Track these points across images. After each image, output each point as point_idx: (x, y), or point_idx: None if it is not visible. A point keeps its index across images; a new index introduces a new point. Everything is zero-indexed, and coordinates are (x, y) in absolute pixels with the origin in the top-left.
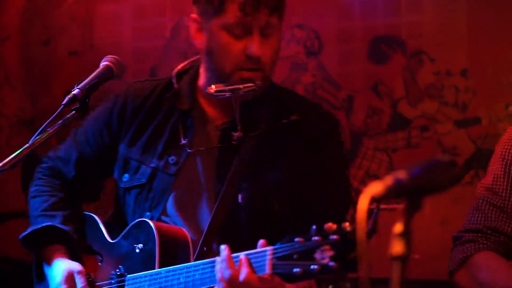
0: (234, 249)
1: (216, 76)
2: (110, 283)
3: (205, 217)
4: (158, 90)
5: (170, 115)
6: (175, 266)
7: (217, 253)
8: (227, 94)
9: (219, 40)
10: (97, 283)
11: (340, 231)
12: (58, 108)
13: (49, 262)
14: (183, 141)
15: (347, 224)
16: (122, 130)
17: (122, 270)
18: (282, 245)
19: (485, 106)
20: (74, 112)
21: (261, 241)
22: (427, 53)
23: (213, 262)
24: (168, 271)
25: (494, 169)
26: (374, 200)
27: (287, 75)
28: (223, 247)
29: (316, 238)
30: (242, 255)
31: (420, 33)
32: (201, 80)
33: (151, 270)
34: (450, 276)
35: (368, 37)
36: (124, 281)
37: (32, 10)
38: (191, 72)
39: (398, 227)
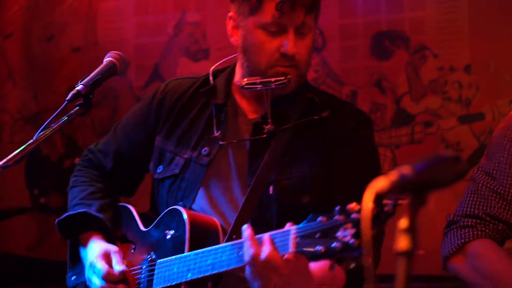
0: None
1: (251, 72)
2: (141, 268)
3: (235, 207)
4: (195, 86)
5: (205, 109)
6: (203, 249)
7: None
8: (258, 87)
9: (255, 38)
10: (130, 268)
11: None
12: (62, 104)
13: (84, 245)
14: (216, 133)
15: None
16: (159, 123)
17: (153, 256)
18: (306, 225)
19: (489, 102)
20: (77, 108)
21: (288, 223)
22: (430, 48)
23: (240, 243)
24: (197, 254)
25: (497, 154)
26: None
27: None
28: (245, 226)
29: (338, 217)
30: (266, 234)
31: (423, 29)
32: (237, 77)
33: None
34: (444, 261)
35: (371, 33)
36: (154, 265)
37: (35, 7)
38: (228, 70)
39: (403, 223)
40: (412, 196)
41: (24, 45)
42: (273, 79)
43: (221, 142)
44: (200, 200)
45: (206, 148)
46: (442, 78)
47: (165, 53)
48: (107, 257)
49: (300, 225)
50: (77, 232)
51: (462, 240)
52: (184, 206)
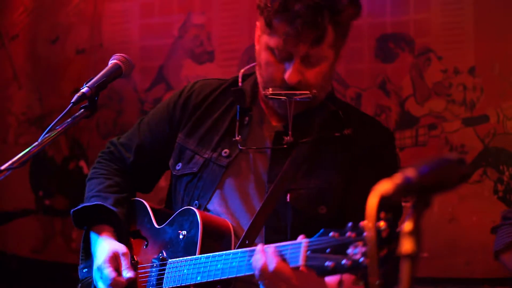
0: None
1: (260, 83)
2: (152, 266)
3: (251, 212)
4: (222, 88)
5: (229, 111)
6: (214, 253)
7: None
8: (283, 98)
9: (264, 56)
10: (140, 265)
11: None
12: (66, 106)
13: (96, 241)
14: (237, 137)
15: (381, 222)
16: (183, 121)
17: (165, 255)
18: (317, 239)
19: (493, 104)
20: (83, 110)
21: (301, 236)
22: (434, 51)
23: (251, 251)
24: (208, 257)
25: None
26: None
27: None
28: (259, 244)
29: (350, 234)
30: (272, 246)
31: (428, 31)
32: (260, 87)
33: (192, 256)
34: (496, 255)
35: (376, 35)
36: (165, 264)
37: (40, 9)
38: (255, 75)
39: (408, 225)
40: (416, 199)
41: (29, 46)
42: (297, 92)
43: (240, 147)
44: (216, 201)
45: (226, 150)
46: (446, 81)
47: (170, 55)
48: (115, 260)
49: (312, 239)
50: (91, 224)
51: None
52: (199, 206)
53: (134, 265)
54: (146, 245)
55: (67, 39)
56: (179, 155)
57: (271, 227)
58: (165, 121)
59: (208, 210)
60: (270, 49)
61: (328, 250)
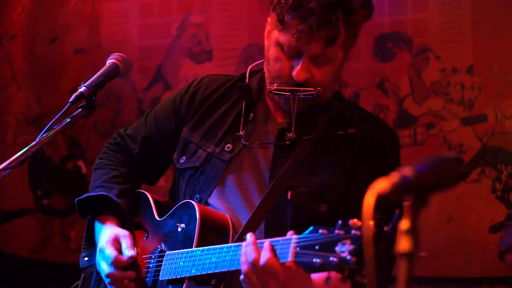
0: None
1: (268, 78)
2: (151, 258)
3: (250, 208)
4: (230, 83)
5: (235, 107)
6: (209, 247)
7: None
8: (287, 94)
9: (274, 52)
10: (141, 256)
11: (362, 225)
12: (65, 106)
13: (100, 229)
14: (240, 132)
15: (371, 221)
16: (189, 115)
17: (163, 247)
18: (307, 235)
19: (491, 104)
20: (80, 109)
21: (290, 232)
22: (432, 50)
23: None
24: (203, 251)
25: None
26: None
27: None
28: (249, 234)
29: (339, 231)
30: (266, 241)
31: (426, 31)
32: (266, 82)
33: (188, 249)
34: (501, 255)
35: (374, 35)
36: (163, 256)
37: (39, 9)
38: (261, 73)
39: (405, 224)
40: (413, 198)
41: (28, 46)
42: (302, 88)
43: (244, 142)
44: (216, 195)
45: (229, 145)
46: (444, 80)
47: (168, 54)
48: (117, 241)
49: (302, 235)
50: (95, 214)
51: None
52: (200, 199)
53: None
54: (147, 237)
55: (65, 39)
56: (183, 149)
57: (271, 223)
58: (171, 115)
59: (209, 204)
60: (280, 45)
61: (317, 247)
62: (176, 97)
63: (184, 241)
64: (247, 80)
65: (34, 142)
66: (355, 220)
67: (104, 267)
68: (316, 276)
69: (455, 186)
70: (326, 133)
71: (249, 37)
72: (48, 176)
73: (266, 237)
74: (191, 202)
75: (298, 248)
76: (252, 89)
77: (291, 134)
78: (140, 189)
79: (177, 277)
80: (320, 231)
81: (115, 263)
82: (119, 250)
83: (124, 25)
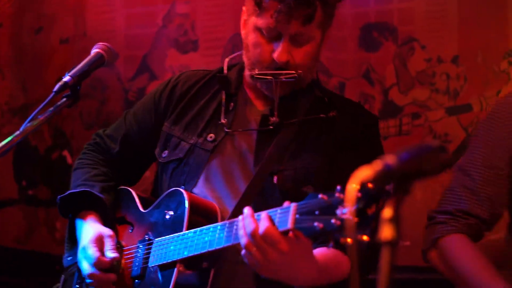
0: None
1: (248, 67)
2: (138, 247)
3: (236, 195)
4: (208, 77)
5: (215, 98)
6: (201, 227)
7: None
8: (269, 78)
9: (253, 38)
10: (125, 248)
11: (362, 189)
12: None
13: (81, 225)
14: (222, 120)
15: (369, 183)
16: (169, 110)
17: (151, 236)
18: (306, 202)
19: (476, 93)
20: (65, 99)
21: (286, 202)
22: (418, 40)
23: (239, 221)
24: (195, 232)
25: (469, 151)
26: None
27: None
28: (246, 208)
29: (339, 195)
30: (263, 212)
31: (411, 20)
32: (246, 71)
33: (179, 233)
34: (423, 255)
35: (359, 24)
36: (151, 244)
37: None
38: (240, 64)
39: (387, 212)
40: (396, 186)
41: (13, 36)
42: (283, 72)
43: (226, 130)
44: (202, 185)
45: (212, 135)
46: (430, 70)
47: (154, 44)
48: (100, 241)
49: (301, 202)
50: (76, 212)
51: (435, 236)
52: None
53: (119, 249)
54: (132, 230)
55: (51, 29)
56: (165, 143)
57: (258, 208)
58: (151, 111)
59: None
60: (258, 29)
61: (317, 212)
62: (155, 94)
63: (174, 227)
64: (225, 71)
65: (18, 132)
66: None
67: (86, 267)
68: (321, 251)
69: (438, 174)
70: (308, 117)
71: (235, 27)
72: (33, 166)
73: None
74: (179, 190)
75: (297, 215)
76: (231, 80)
77: (274, 118)
78: (120, 185)
79: (168, 261)
80: (319, 196)
81: (97, 264)
82: (102, 251)
83: (109, 15)
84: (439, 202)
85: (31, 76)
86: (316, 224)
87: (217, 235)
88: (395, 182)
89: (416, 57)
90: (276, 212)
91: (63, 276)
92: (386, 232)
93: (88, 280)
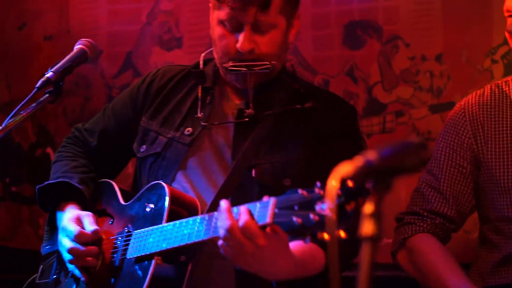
0: None
1: (217, 59)
2: (117, 239)
3: (214, 188)
4: (185, 72)
5: (192, 93)
6: (180, 220)
7: None
8: (243, 70)
9: (217, 31)
10: (105, 239)
11: (342, 186)
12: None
13: (60, 216)
14: (199, 114)
15: (349, 181)
16: (146, 105)
17: (131, 228)
18: (285, 197)
19: (460, 91)
20: (47, 95)
21: (265, 196)
22: (402, 38)
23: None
24: (174, 224)
25: (435, 151)
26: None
27: None
28: (222, 201)
29: (319, 190)
30: (243, 206)
31: (396, 18)
32: (218, 64)
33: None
34: (393, 256)
35: (343, 22)
36: (130, 235)
37: None
38: (215, 60)
39: (368, 208)
40: (377, 182)
41: None
42: (257, 63)
43: (203, 124)
44: (180, 179)
45: (189, 129)
46: (413, 68)
47: (138, 41)
48: (79, 220)
49: (280, 197)
50: (56, 202)
51: (403, 236)
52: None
53: (99, 240)
54: (112, 222)
55: (34, 26)
56: (143, 138)
57: (237, 202)
58: (129, 106)
59: None
60: (221, 22)
61: (296, 207)
62: (133, 89)
63: (153, 220)
64: (201, 66)
65: (0, 128)
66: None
67: (66, 243)
68: (298, 246)
69: (418, 170)
70: (284, 109)
71: None
72: (17, 163)
73: None
74: (160, 183)
75: (276, 210)
76: (207, 74)
77: (249, 110)
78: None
79: (146, 253)
80: (299, 191)
81: (78, 237)
82: (82, 227)
83: (93, 11)
84: (408, 204)
85: (15, 73)
86: (295, 219)
87: (196, 228)
88: (376, 178)
89: (400, 55)
90: (256, 206)
91: (41, 266)
92: (367, 227)
93: (69, 257)
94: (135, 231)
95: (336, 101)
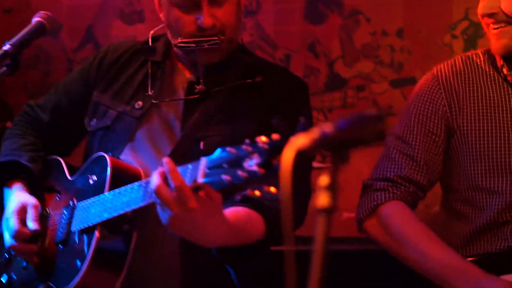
0: None
1: (173, 39)
2: (63, 213)
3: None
4: (136, 48)
5: (143, 67)
6: (119, 188)
7: None
8: (192, 45)
9: (172, 15)
10: (51, 214)
11: (269, 141)
12: None
13: (7, 195)
14: (150, 92)
15: (276, 135)
16: (98, 79)
17: (75, 202)
18: (215, 156)
19: (420, 66)
20: (5, 68)
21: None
22: (363, 12)
23: None
24: (114, 193)
25: (405, 118)
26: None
27: None
28: (164, 161)
29: (246, 147)
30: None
31: None
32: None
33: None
34: (359, 223)
35: None
36: (75, 208)
37: None
38: (167, 35)
39: (324, 180)
40: (333, 154)
41: None
42: (206, 39)
43: (153, 101)
44: (128, 152)
45: (139, 102)
46: (374, 43)
47: (99, 15)
48: (23, 211)
49: (210, 157)
50: (4, 180)
51: (375, 203)
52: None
53: (45, 216)
54: (59, 197)
55: None
56: (94, 112)
57: None
58: (81, 81)
59: None
60: (175, 5)
61: (225, 165)
62: (84, 65)
63: (96, 191)
64: (150, 43)
65: None
66: (262, 137)
67: (7, 238)
68: (235, 213)
69: (374, 143)
70: (235, 83)
71: None
72: None
73: None
74: (103, 155)
75: (207, 170)
76: (158, 49)
77: (200, 86)
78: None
79: (89, 224)
80: (227, 149)
81: (17, 236)
82: (24, 221)
83: None
84: (377, 169)
85: None
86: (224, 177)
87: (134, 195)
88: (332, 150)
89: (361, 30)
90: (187, 168)
91: None
92: (322, 199)
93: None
94: (79, 203)
95: (287, 75)
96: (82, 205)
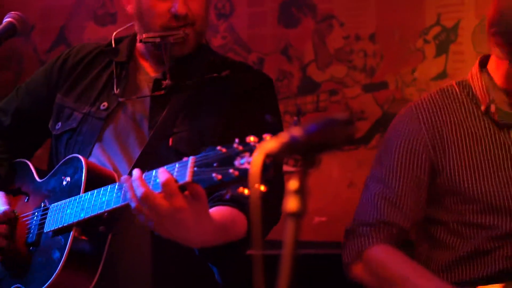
0: None
1: (144, 32)
2: (34, 214)
3: (131, 160)
4: (99, 50)
5: (107, 68)
6: (98, 189)
7: None
8: (157, 40)
9: (144, 4)
10: (20, 216)
11: (260, 140)
12: None
13: None
14: (116, 91)
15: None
16: (60, 82)
17: (47, 203)
18: (204, 155)
19: (392, 71)
20: None
21: (185, 157)
22: (336, 17)
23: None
24: (92, 193)
25: (386, 159)
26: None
27: None
28: (134, 170)
29: (237, 146)
30: (161, 168)
31: None
32: (138, 42)
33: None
34: (346, 268)
35: (279, 0)
36: (47, 209)
37: None
38: (131, 36)
39: (293, 184)
40: (302, 158)
41: None
42: (170, 33)
43: (120, 99)
44: (96, 153)
45: (104, 103)
46: (347, 47)
47: (71, 16)
48: None
49: (199, 155)
50: None
51: (359, 249)
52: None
53: (14, 219)
54: (28, 199)
55: None
56: (58, 115)
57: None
58: (43, 84)
59: None
60: None
61: (215, 164)
62: (47, 67)
63: (70, 192)
64: (113, 45)
65: None
66: (252, 137)
67: None
68: (218, 211)
69: (342, 146)
70: (200, 79)
71: None
72: None
73: None
74: (76, 156)
75: (195, 168)
76: (121, 50)
77: (166, 81)
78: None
79: (64, 224)
80: (217, 148)
81: None
82: None
83: None
84: (357, 214)
85: None
86: (214, 175)
87: (114, 195)
88: (302, 154)
89: (334, 34)
90: (175, 166)
91: None
92: (292, 203)
93: None
94: (52, 205)
95: (252, 70)
96: (55, 206)
